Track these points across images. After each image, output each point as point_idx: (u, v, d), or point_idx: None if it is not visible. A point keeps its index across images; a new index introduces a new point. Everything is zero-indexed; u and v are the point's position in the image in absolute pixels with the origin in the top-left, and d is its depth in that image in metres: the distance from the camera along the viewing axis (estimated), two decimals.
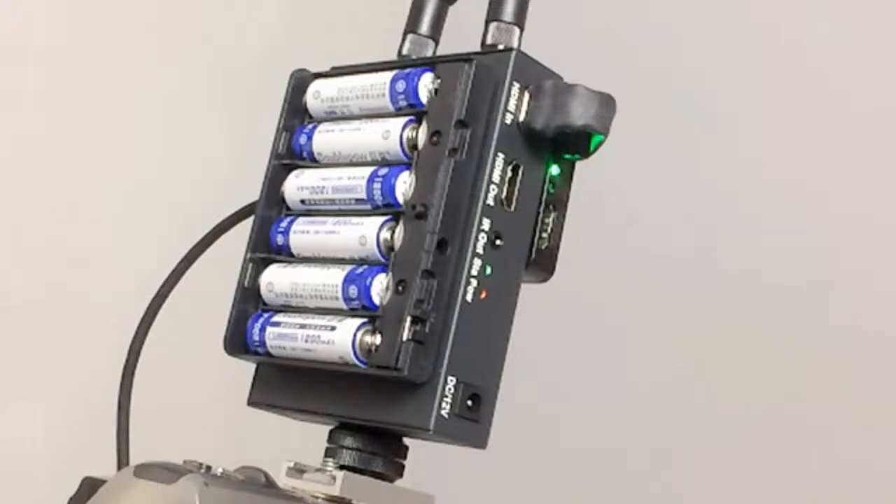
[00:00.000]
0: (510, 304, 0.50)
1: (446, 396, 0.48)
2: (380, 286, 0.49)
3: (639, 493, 1.10)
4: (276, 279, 0.53)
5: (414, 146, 0.50)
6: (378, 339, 0.48)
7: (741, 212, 1.07)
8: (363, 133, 0.52)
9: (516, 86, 0.50)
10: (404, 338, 0.47)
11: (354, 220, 0.51)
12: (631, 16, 1.18)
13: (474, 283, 0.49)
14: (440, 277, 0.48)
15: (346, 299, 0.50)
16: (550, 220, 0.51)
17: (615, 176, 1.01)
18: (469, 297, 0.48)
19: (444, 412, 0.48)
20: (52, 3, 1.04)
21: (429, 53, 0.56)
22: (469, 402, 0.48)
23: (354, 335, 0.49)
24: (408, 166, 0.50)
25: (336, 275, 0.50)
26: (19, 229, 1.00)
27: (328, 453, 0.52)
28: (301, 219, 0.53)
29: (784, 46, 1.07)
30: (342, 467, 0.51)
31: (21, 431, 1.00)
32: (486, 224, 0.49)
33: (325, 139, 0.53)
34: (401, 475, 0.52)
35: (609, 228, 1.13)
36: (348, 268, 0.50)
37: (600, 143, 0.50)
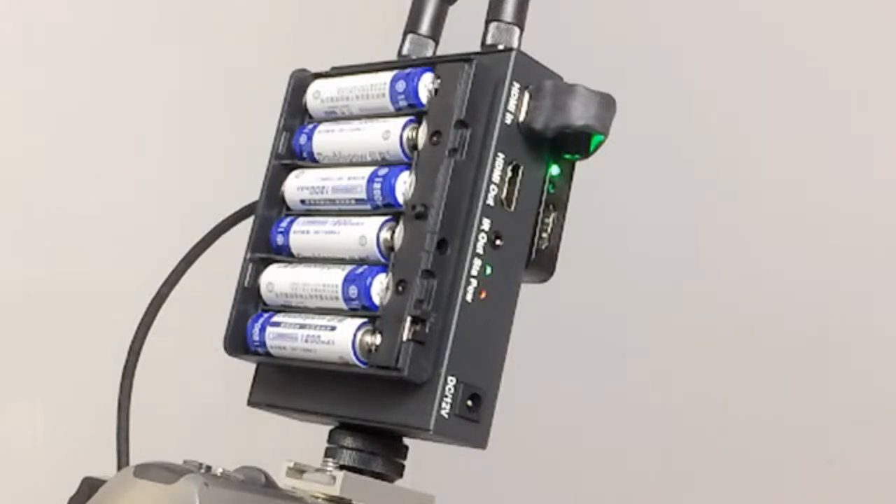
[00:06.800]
0: (510, 304, 0.50)
1: (446, 396, 0.48)
2: (380, 286, 0.49)
3: (639, 493, 1.10)
4: (276, 279, 0.53)
5: (414, 146, 0.50)
6: (378, 339, 0.48)
7: (741, 212, 1.07)
8: (363, 133, 0.52)
9: (516, 86, 0.50)
10: (404, 338, 0.47)
11: (354, 220, 0.51)
12: (631, 16, 1.18)
13: (474, 283, 0.49)
14: (440, 277, 0.48)
15: (346, 299, 0.50)
16: (550, 220, 0.51)
17: (615, 176, 1.01)
18: (469, 297, 0.48)
19: (444, 412, 0.48)
20: (52, 4, 1.04)
21: (429, 53, 0.56)
22: (469, 402, 0.48)
23: (354, 335, 0.49)
24: (408, 166, 0.50)
25: (336, 275, 0.50)
26: (19, 229, 1.00)
27: (328, 453, 0.52)
28: (301, 219, 0.53)
29: (784, 47, 1.07)
30: (342, 467, 0.51)
31: (21, 431, 1.00)
32: (486, 224, 0.49)
33: (325, 139, 0.53)
34: (401, 475, 0.52)
35: (609, 229, 1.12)
36: (348, 268, 0.50)
37: (600, 143, 0.50)
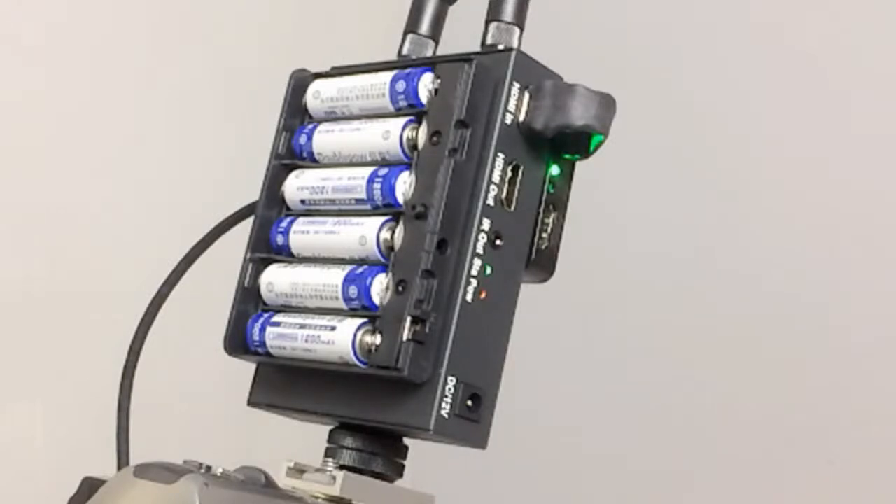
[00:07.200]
0: (510, 304, 0.50)
1: (446, 396, 0.48)
2: (380, 286, 0.49)
3: (638, 492, 1.10)
4: (276, 279, 0.53)
5: (414, 146, 0.50)
6: (378, 339, 0.48)
7: (741, 212, 1.07)
8: (363, 133, 0.52)
9: (516, 86, 0.50)
10: (404, 338, 0.47)
11: (354, 220, 0.51)
12: (631, 16, 1.18)
13: (474, 283, 0.49)
14: (440, 277, 0.48)
15: (346, 299, 0.50)
16: (550, 220, 0.51)
17: (615, 176, 1.01)
18: (469, 297, 0.48)
19: (444, 412, 0.48)
20: (52, 4, 1.04)
21: (429, 53, 0.56)
22: (469, 403, 0.48)
23: (354, 335, 0.49)
24: (408, 166, 0.50)
25: (336, 275, 0.50)
26: (19, 229, 1.00)
27: (328, 453, 0.52)
28: (301, 219, 0.53)
29: (784, 47, 1.07)
30: (342, 467, 0.51)
31: (21, 431, 1.00)
32: (486, 224, 0.49)
33: (325, 139, 0.53)
34: (401, 475, 0.52)
35: (609, 228, 1.12)
36: (348, 268, 0.50)
37: (600, 143, 0.50)
